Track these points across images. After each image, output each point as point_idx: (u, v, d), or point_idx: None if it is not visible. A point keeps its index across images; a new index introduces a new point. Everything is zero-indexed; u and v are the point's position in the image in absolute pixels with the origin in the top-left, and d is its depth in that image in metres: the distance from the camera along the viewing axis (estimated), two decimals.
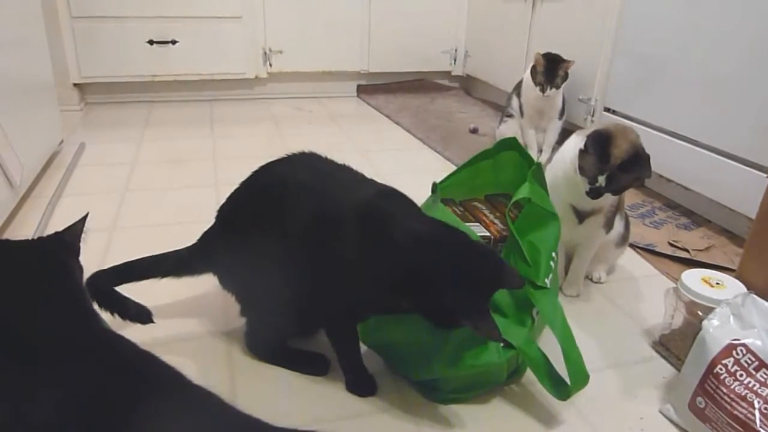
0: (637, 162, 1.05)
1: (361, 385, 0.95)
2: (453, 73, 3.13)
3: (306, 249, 0.87)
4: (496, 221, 1.15)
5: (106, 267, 1.02)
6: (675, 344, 1.05)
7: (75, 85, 2.53)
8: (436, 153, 2.14)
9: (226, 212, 0.99)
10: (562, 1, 2.22)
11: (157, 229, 1.47)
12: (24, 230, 1.42)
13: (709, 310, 0.92)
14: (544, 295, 0.93)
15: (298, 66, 2.84)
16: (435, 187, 1.08)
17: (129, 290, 1.02)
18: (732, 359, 0.84)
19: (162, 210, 1.59)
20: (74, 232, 0.83)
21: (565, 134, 1.52)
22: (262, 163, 0.98)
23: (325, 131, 2.42)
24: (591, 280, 1.30)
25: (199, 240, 1.02)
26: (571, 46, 2.08)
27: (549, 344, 0.94)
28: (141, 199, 1.66)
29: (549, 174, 1.14)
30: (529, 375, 0.95)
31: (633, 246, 1.44)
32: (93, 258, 1.21)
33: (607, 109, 1.96)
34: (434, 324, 0.82)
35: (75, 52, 2.47)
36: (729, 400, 0.83)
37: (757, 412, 0.80)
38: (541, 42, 2.35)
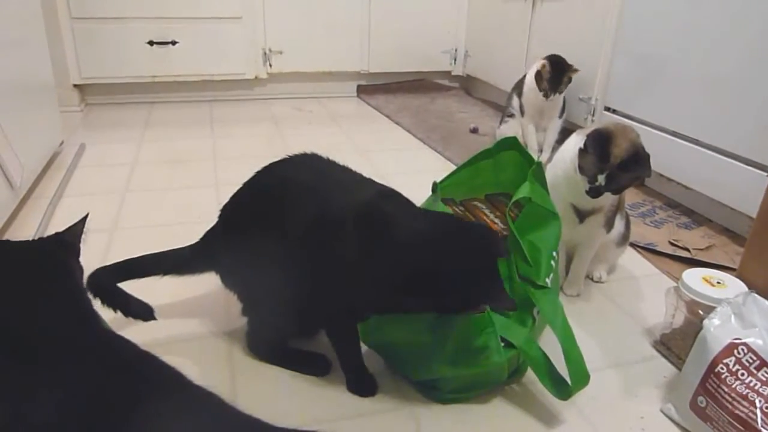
0: (637, 161, 1.05)
1: (361, 385, 0.95)
2: (453, 73, 3.13)
3: (307, 249, 0.87)
4: (496, 221, 1.15)
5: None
6: (676, 343, 1.05)
7: (75, 86, 2.53)
8: (436, 153, 2.14)
9: (229, 212, 1.00)
10: (562, 0, 2.22)
11: (158, 230, 1.47)
12: (24, 231, 1.42)
13: (710, 310, 0.92)
14: (545, 294, 0.93)
15: (298, 66, 2.85)
16: (435, 186, 1.08)
17: (130, 290, 1.02)
18: (733, 358, 0.84)
19: (162, 210, 1.59)
20: (74, 232, 0.83)
21: (565, 133, 1.52)
22: (263, 163, 0.98)
23: (325, 131, 2.42)
24: (592, 279, 1.30)
25: (202, 239, 1.03)
26: (571, 45, 2.09)
27: (550, 344, 0.94)
28: (141, 199, 1.66)
29: (549, 173, 1.14)
30: (530, 375, 0.95)
31: (634, 245, 1.44)
32: (93, 258, 1.21)
33: (608, 109, 1.96)
34: (447, 314, 0.84)
35: (75, 53, 2.47)
36: (730, 399, 0.82)
37: (758, 411, 0.80)
38: (541, 42, 2.35)
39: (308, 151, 1.00)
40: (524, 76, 2.07)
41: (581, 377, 0.88)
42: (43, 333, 0.64)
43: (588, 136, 1.07)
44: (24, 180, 1.51)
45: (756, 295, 0.89)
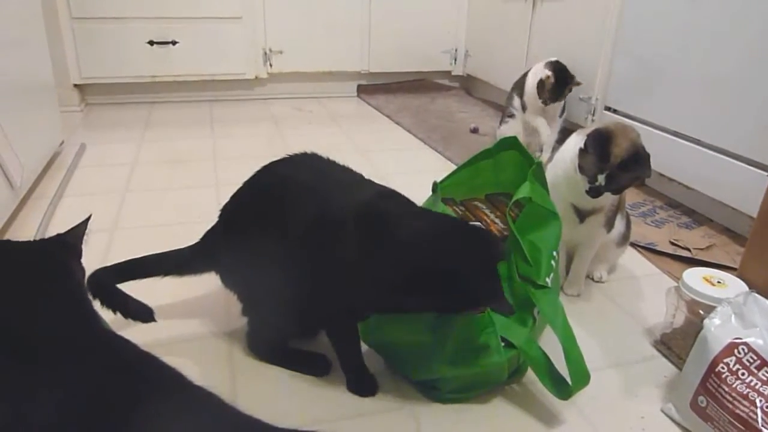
0: (637, 161, 1.05)
1: (361, 385, 0.95)
2: (453, 73, 3.13)
3: (307, 249, 0.87)
4: (496, 221, 1.14)
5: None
6: (676, 343, 1.05)
7: (75, 85, 2.53)
8: (436, 153, 2.14)
9: (229, 212, 1.00)
10: (562, 0, 2.22)
11: (158, 230, 1.47)
12: (25, 231, 1.42)
13: (710, 309, 0.92)
14: (545, 294, 0.93)
15: (298, 66, 2.85)
16: (435, 186, 1.08)
17: (131, 290, 1.02)
18: (734, 358, 0.84)
19: (162, 210, 1.59)
20: (77, 234, 0.83)
21: (565, 133, 1.52)
22: (263, 163, 0.98)
23: (325, 131, 2.41)
24: (592, 279, 1.30)
25: (202, 239, 1.03)
26: (571, 45, 2.09)
27: (550, 344, 0.94)
28: (141, 199, 1.66)
29: (549, 173, 1.14)
30: (530, 374, 0.95)
31: (634, 245, 1.44)
32: (94, 258, 1.21)
33: (608, 108, 1.96)
34: (446, 313, 0.84)
35: (75, 53, 2.47)
36: (731, 398, 0.82)
37: (759, 411, 0.80)
38: (541, 41, 2.35)
39: (308, 150, 1.00)
40: (524, 74, 2.07)
41: (581, 377, 0.88)
42: (43, 333, 0.64)
43: (588, 135, 1.07)
44: (24, 180, 1.51)
45: (756, 294, 0.89)
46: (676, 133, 1.67)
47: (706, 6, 1.55)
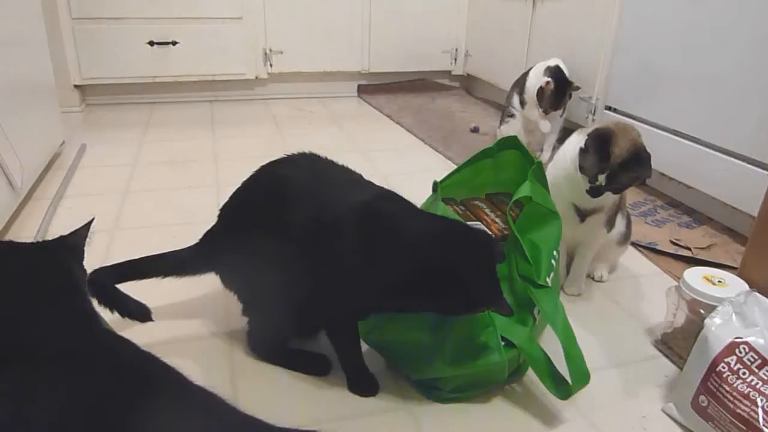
0: (638, 161, 1.05)
1: (362, 385, 0.94)
2: (453, 73, 3.13)
3: (306, 250, 0.87)
4: (497, 220, 1.14)
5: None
6: (677, 343, 1.05)
7: (76, 86, 2.53)
8: (437, 153, 2.14)
9: (228, 212, 1.00)
10: (562, 0, 2.22)
11: (159, 230, 1.47)
12: (25, 232, 1.42)
13: (711, 309, 0.92)
14: (546, 293, 0.93)
15: (299, 66, 2.85)
16: (436, 186, 1.08)
17: (131, 291, 1.02)
18: (734, 357, 0.84)
19: (163, 211, 1.59)
20: (79, 236, 0.83)
21: (565, 133, 1.52)
22: (263, 163, 0.98)
23: (325, 131, 2.41)
24: (593, 278, 1.30)
25: (201, 239, 1.02)
26: (571, 45, 2.08)
27: (550, 343, 0.93)
28: (142, 200, 1.66)
29: (550, 173, 1.14)
30: (531, 374, 0.95)
31: (635, 244, 1.44)
32: (94, 259, 1.21)
33: (608, 108, 1.96)
34: (446, 315, 0.83)
35: (76, 54, 2.48)
36: (732, 398, 0.82)
37: (760, 410, 0.80)
38: (541, 41, 2.35)
39: (308, 151, 1.00)
40: (524, 73, 2.07)
41: (582, 377, 0.88)
42: (44, 334, 0.64)
43: (589, 135, 1.07)
44: (25, 180, 1.51)
45: (757, 293, 0.89)
46: (676, 132, 1.67)
47: (706, 5, 1.54)
